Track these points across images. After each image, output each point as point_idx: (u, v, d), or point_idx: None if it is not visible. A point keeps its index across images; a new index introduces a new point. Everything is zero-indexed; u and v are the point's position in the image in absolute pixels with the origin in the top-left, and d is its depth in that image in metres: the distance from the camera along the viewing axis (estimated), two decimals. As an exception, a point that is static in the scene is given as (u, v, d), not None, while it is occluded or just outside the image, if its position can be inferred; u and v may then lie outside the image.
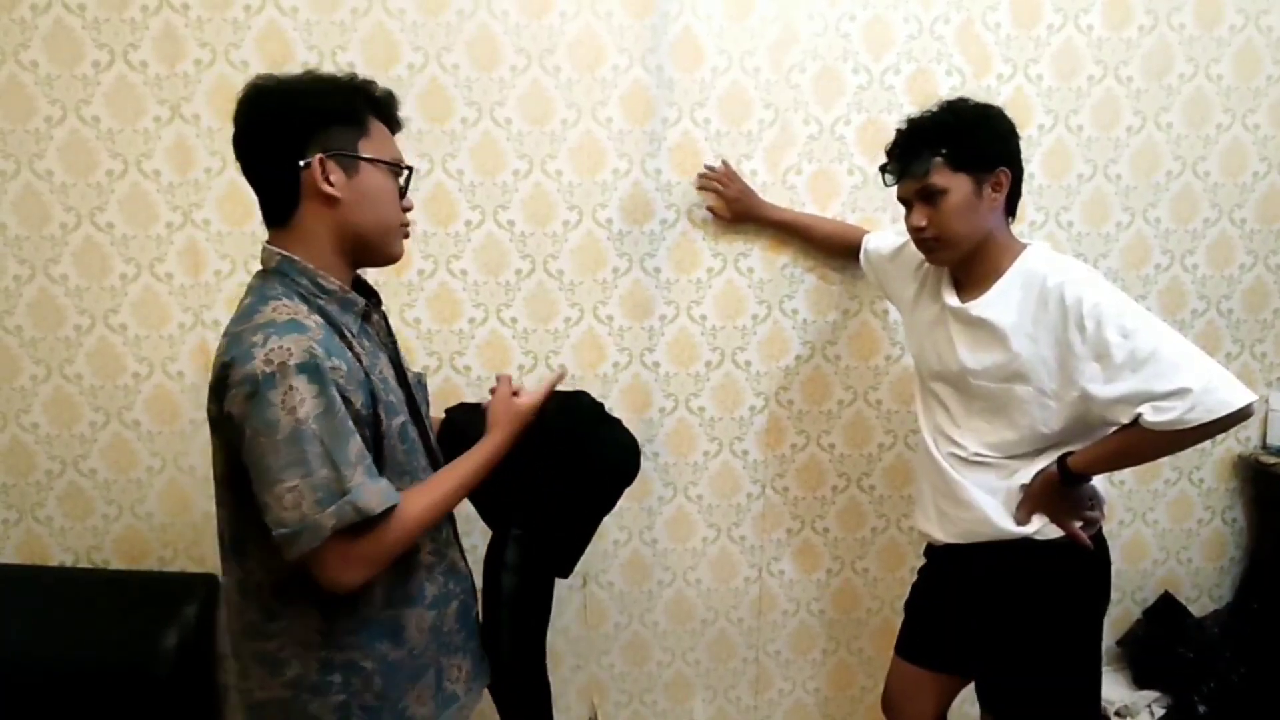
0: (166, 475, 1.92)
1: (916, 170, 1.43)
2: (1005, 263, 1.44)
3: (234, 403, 0.99)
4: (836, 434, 2.04)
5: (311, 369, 0.98)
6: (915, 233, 1.47)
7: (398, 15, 1.80)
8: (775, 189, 1.92)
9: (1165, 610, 2.12)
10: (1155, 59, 1.95)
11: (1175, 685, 2.04)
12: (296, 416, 0.97)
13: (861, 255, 1.82)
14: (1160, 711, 2.04)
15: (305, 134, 1.08)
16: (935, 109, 1.47)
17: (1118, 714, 2.04)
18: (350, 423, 1.02)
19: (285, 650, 1.10)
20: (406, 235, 1.19)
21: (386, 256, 1.17)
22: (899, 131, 1.49)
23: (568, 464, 1.37)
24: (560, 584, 2.02)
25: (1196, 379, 1.26)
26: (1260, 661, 2.02)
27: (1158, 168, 1.99)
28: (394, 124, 1.18)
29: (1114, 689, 2.07)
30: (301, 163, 1.07)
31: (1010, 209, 1.48)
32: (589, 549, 2.00)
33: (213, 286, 1.86)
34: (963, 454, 1.49)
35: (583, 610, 2.06)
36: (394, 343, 1.25)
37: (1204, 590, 2.19)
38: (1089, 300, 1.33)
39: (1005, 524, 1.45)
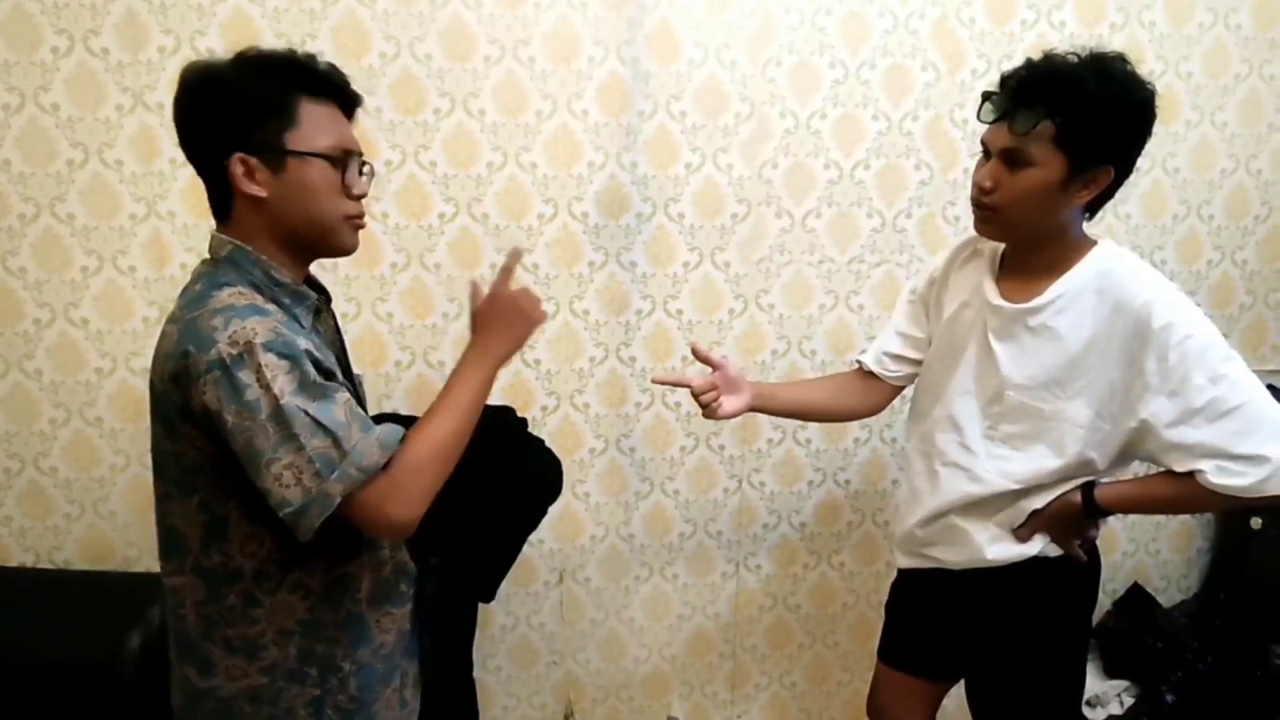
0: (130, 473, 1.87)
1: (1019, 124, 1.19)
2: (1071, 261, 1.27)
3: (206, 393, 0.94)
4: (812, 429, 2.04)
5: (279, 346, 0.95)
6: (977, 187, 1.27)
7: (369, 3, 1.76)
8: (751, 183, 1.92)
9: (1134, 601, 2.15)
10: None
11: (1144, 674, 2.07)
12: (274, 392, 0.93)
13: (879, 358, 1.54)
14: (1129, 700, 2.07)
15: (226, 130, 1.02)
16: (1082, 56, 1.19)
17: (1088, 703, 2.07)
18: (332, 384, 0.98)
19: (266, 635, 1.06)
20: (360, 226, 1.11)
21: (335, 250, 1.11)
22: (1028, 63, 1.22)
23: (488, 488, 1.33)
24: (537, 580, 2.03)
25: (1278, 447, 1.13)
26: (1227, 651, 2.05)
27: (1128, 164, 2.02)
28: (345, 101, 1.08)
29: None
30: (225, 161, 1.02)
31: (1093, 208, 1.28)
32: (563, 546, 2.01)
33: (178, 280, 1.81)
34: (978, 490, 1.33)
35: (559, 606, 2.04)
36: (341, 342, 1.22)
37: (1172, 581, 2.23)
38: (1180, 330, 1.17)
39: (997, 556, 1.35)
